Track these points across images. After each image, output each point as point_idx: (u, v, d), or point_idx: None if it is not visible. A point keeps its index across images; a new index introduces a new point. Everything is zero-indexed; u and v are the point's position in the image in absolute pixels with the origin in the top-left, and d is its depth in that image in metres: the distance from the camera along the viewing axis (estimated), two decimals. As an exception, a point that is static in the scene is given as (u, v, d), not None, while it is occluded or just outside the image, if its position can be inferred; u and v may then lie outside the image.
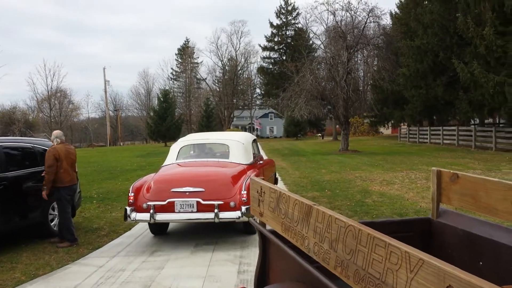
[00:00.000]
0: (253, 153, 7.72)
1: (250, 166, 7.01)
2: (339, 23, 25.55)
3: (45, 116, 43.27)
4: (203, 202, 5.82)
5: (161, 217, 5.91)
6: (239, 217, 5.76)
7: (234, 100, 76.70)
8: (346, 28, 25.53)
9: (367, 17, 24.58)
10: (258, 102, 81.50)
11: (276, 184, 7.63)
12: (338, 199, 9.21)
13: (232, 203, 5.84)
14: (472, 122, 34.31)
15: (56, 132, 6.52)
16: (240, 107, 79.69)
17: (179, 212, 5.87)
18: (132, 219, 5.98)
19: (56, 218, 6.61)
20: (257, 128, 71.29)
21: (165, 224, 6.75)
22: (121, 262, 5.43)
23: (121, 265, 5.28)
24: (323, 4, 25.52)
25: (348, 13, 25.26)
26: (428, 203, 8.41)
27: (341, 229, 1.74)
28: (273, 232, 2.51)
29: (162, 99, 50.08)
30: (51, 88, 40.94)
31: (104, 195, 11.11)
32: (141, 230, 7.05)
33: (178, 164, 7.12)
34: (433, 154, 21.30)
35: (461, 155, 20.28)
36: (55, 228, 6.63)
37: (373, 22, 25.19)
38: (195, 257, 5.55)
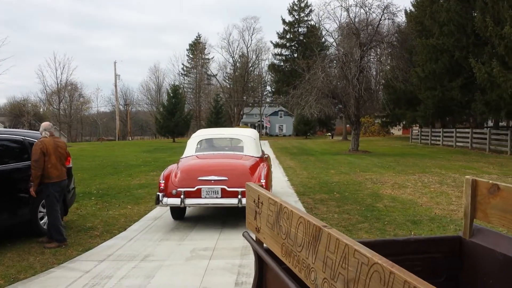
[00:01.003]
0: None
1: (261, 159, 7.94)
2: (352, 19, 24.91)
3: (54, 109, 43.10)
4: (228, 189, 6.58)
5: (189, 201, 6.66)
6: None
7: (244, 97, 76.22)
8: (359, 25, 24.89)
9: (381, 13, 23.90)
10: (268, 100, 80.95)
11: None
12: (347, 203, 8.70)
13: None
14: (485, 124, 33.54)
15: (45, 124, 6.09)
16: (250, 104, 79.21)
17: (205, 197, 6.62)
18: (164, 203, 6.67)
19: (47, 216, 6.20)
20: (266, 126, 70.75)
21: (184, 211, 7.54)
22: (110, 267, 4.99)
23: (109, 271, 4.84)
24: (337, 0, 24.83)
25: (362, 10, 24.61)
26: (443, 210, 7.89)
27: (362, 267, 1.25)
28: (272, 254, 2.04)
29: (171, 94, 49.75)
30: (61, 81, 40.56)
31: (104, 191, 10.72)
32: (135, 232, 6.62)
33: (197, 156, 7.83)
34: (446, 157, 20.65)
35: (475, 159, 19.62)
36: (44, 227, 6.22)
37: (388, 19, 24.50)
38: (189, 265, 5.09)
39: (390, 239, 2.44)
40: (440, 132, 30.77)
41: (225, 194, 6.61)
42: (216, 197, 6.62)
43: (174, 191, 6.66)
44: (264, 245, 2.15)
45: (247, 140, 8.21)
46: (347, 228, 6.58)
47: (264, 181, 6.85)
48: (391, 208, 8.09)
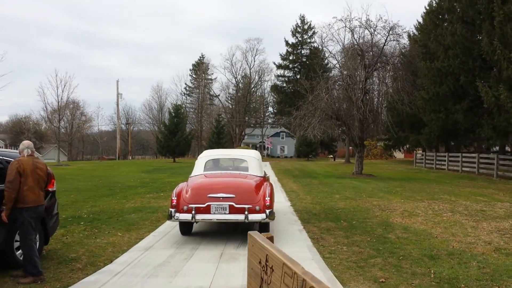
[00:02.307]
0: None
1: (264, 179, 8.47)
2: (357, 40, 24.58)
3: (55, 127, 42.67)
4: (235, 206, 7.08)
5: (200, 217, 7.14)
6: (264, 219, 7.12)
7: (246, 118, 75.86)
8: (364, 46, 24.54)
9: (387, 35, 23.55)
10: (270, 121, 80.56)
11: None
12: (356, 233, 8.03)
13: (257, 207, 7.14)
14: (492, 149, 32.87)
15: (26, 142, 5.49)
16: (252, 125, 78.78)
17: (214, 213, 7.11)
18: (176, 218, 7.19)
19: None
20: (267, 147, 70.14)
21: (192, 227, 8.03)
22: (88, 310, 4.33)
23: (86, 315, 4.19)
24: (342, 20, 24.57)
25: (367, 31, 24.28)
26: (461, 243, 7.22)
27: None
28: None
29: (173, 113, 49.37)
30: (61, 98, 40.14)
31: (95, 215, 10.06)
32: (122, 265, 5.94)
33: (205, 175, 8.35)
34: (453, 182, 19.97)
35: (483, 185, 18.93)
36: (21, 258, 5.56)
37: (394, 40, 24.14)
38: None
39: None
40: (445, 156, 30.10)
41: (232, 210, 7.11)
42: (225, 213, 7.12)
43: (185, 207, 7.16)
44: None
45: (251, 161, 8.82)
46: (358, 264, 5.90)
47: (268, 198, 7.31)
48: (404, 240, 7.42)
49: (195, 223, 7.92)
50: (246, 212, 7.03)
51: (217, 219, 7.18)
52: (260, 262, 1.50)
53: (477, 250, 6.77)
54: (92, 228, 8.52)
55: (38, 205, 5.35)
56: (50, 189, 6.24)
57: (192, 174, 8.55)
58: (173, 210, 7.21)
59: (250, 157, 8.96)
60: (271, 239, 1.59)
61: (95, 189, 15.97)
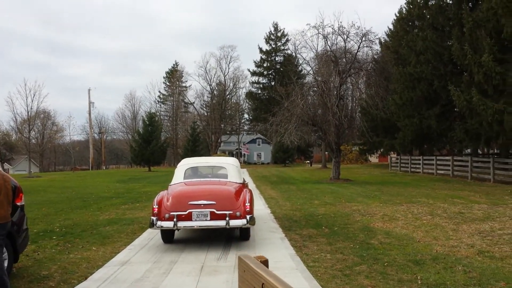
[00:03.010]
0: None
1: (243, 185, 8.61)
2: (330, 47, 24.75)
3: (25, 138, 41.35)
4: (216, 212, 7.18)
5: (181, 224, 7.22)
6: (245, 224, 7.25)
7: (222, 125, 75.54)
8: (338, 52, 24.73)
9: (360, 41, 23.80)
10: (246, 128, 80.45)
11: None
12: (338, 239, 7.91)
13: (238, 213, 7.25)
14: (464, 152, 33.56)
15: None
16: (228, 132, 78.49)
17: (196, 220, 7.21)
18: (158, 226, 7.24)
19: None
20: (244, 154, 69.93)
21: (173, 234, 7.97)
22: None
23: None
24: (315, 27, 24.70)
25: (340, 37, 24.48)
26: (444, 247, 7.19)
27: None
28: None
29: (147, 122, 48.60)
30: (31, 108, 38.93)
31: (68, 228, 9.63)
32: (97, 282, 5.60)
33: (185, 183, 8.39)
34: (429, 185, 20.22)
35: (459, 187, 19.22)
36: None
37: (367, 47, 24.43)
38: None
39: None
40: (420, 159, 30.56)
41: (214, 216, 7.20)
42: (206, 220, 7.21)
43: (167, 215, 7.21)
44: None
45: (230, 168, 8.91)
46: (343, 272, 5.76)
47: (248, 204, 7.40)
48: (388, 246, 7.33)
49: (176, 231, 7.86)
50: (227, 218, 7.14)
51: (198, 226, 7.26)
52: (253, 290, 1.30)
53: (461, 253, 6.73)
54: (65, 242, 8.12)
55: (7, 222, 5.00)
56: (18, 203, 5.89)
57: (172, 182, 8.60)
58: (154, 218, 7.27)
59: (228, 164, 9.12)
60: (265, 263, 1.40)
61: (68, 201, 15.43)
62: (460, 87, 21.80)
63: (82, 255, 7.11)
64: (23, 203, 6.11)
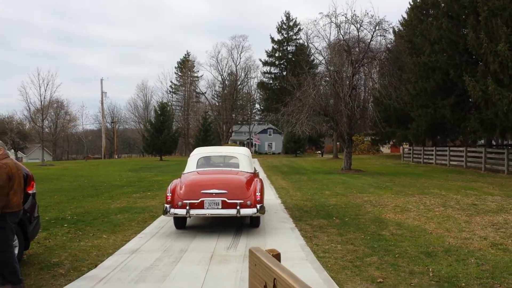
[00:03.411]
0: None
1: (254, 175, 8.83)
2: (343, 36, 24.42)
3: (38, 127, 41.76)
4: (228, 201, 7.40)
5: (194, 212, 7.44)
6: (255, 213, 7.48)
7: (233, 115, 75.50)
8: (351, 41, 24.40)
9: (373, 30, 23.43)
10: (257, 118, 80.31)
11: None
12: (349, 230, 7.84)
13: (248, 202, 7.45)
14: (478, 143, 33.10)
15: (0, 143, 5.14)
16: (239, 122, 78.47)
17: (208, 208, 7.43)
18: (171, 213, 7.50)
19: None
20: (255, 144, 69.91)
21: (185, 221, 8.23)
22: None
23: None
24: (327, 16, 24.38)
25: (353, 26, 24.13)
26: (456, 239, 7.08)
27: None
28: None
29: (159, 112, 48.80)
30: (44, 98, 39.19)
31: (80, 216, 9.71)
32: (107, 269, 5.62)
33: (197, 172, 8.66)
34: (441, 176, 19.98)
35: (472, 178, 18.96)
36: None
37: (380, 35, 24.04)
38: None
39: None
40: (433, 150, 30.22)
41: (225, 205, 7.42)
42: (217, 208, 7.44)
43: (180, 203, 7.45)
44: None
45: (241, 158, 9.17)
46: (354, 264, 5.69)
47: (259, 194, 7.66)
48: (399, 237, 7.25)
49: (188, 218, 8.09)
50: (238, 207, 7.34)
51: (210, 214, 7.50)
52: (264, 286, 1.25)
53: (474, 246, 6.62)
54: (76, 230, 8.19)
55: (20, 209, 5.04)
56: (29, 191, 5.92)
57: (185, 171, 8.88)
58: (168, 205, 7.53)
59: (240, 154, 9.35)
60: (277, 257, 1.33)
61: (80, 189, 15.57)
62: (475, 77, 21.41)
63: (93, 242, 7.15)
64: (34, 191, 6.14)
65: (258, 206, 7.45)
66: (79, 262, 6.00)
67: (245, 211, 7.38)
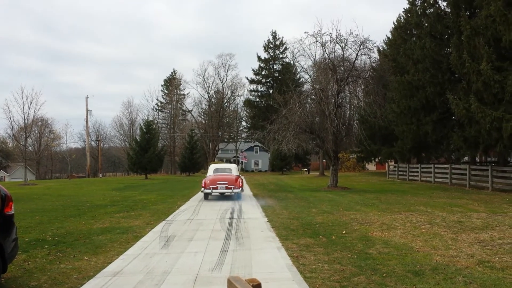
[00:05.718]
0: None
1: (239, 176, 19.08)
2: (328, 55, 24.71)
3: (21, 146, 41.05)
4: (228, 186, 17.74)
5: (214, 191, 17.85)
6: (239, 191, 17.94)
7: (220, 133, 75.40)
8: (336, 60, 24.69)
9: (358, 49, 23.76)
10: (243, 135, 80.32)
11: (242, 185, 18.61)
12: (336, 249, 7.75)
13: (236, 187, 17.80)
14: (462, 160, 33.48)
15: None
16: (226, 140, 78.35)
17: (219, 189, 17.75)
18: (203, 191, 17.89)
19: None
20: (242, 162, 69.73)
21: (208, 196, 18.42)
22: None
23: None
24: (313, 35, 24.69)
25: (338, 45, 24.46)
26: (443, 256, 7.04)
27: None
28: None
29: (145, 129, 48.46)
30: (28, 116, 38.69)
31: (61, 237, 9.45)
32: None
33: (214, 175, 18.81)
34: (427, 193, 20.09)
35: (457, 195, 19.09)
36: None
37: (365, 55, 24.39)
38: None
39: None
40: (418, 167, 30.47)
41: (227, 188, 17.68)
42: (223, 189, 17.73)
43: (207, 187, 17.72)
44: None
45: (233, 168, 20.23)
46: (341, 284, 5.60)
47: (241, 184, 18.24)
48: (386, 256, 7.18)
49: (210, 195, 18.22)
50: (232, 189, 17.71)
51: (220, 192, 17.96)
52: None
53: (461, 263, 6.59)
54: (57, 252, 7.94)
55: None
56: (7, 212, 5.73)
57: (208, 174, 19.38)
58: (203, 187, 17.79)
59: (232, 166, 20.60)
60: (258, 287, 1.25)
61: (62, 209, 15.22)
62: (458, 95, 21.74)
63: (74, 265, 6.93)
64: (12, 212, 5.94)
65: (241, 188, 17.96)
66: (58, 285, 5.78)
67: (235, 190, 17.71)
